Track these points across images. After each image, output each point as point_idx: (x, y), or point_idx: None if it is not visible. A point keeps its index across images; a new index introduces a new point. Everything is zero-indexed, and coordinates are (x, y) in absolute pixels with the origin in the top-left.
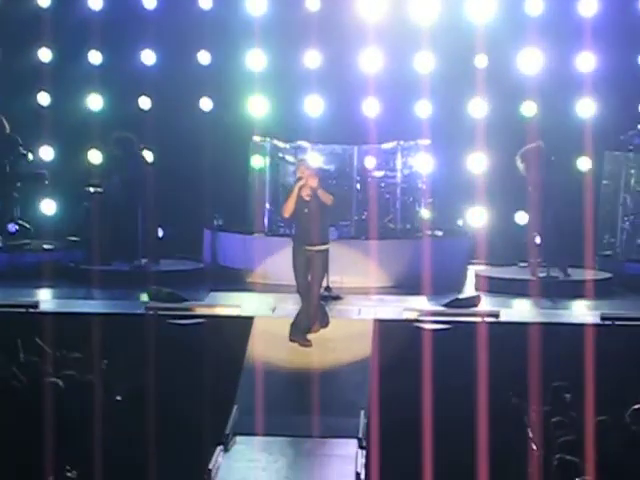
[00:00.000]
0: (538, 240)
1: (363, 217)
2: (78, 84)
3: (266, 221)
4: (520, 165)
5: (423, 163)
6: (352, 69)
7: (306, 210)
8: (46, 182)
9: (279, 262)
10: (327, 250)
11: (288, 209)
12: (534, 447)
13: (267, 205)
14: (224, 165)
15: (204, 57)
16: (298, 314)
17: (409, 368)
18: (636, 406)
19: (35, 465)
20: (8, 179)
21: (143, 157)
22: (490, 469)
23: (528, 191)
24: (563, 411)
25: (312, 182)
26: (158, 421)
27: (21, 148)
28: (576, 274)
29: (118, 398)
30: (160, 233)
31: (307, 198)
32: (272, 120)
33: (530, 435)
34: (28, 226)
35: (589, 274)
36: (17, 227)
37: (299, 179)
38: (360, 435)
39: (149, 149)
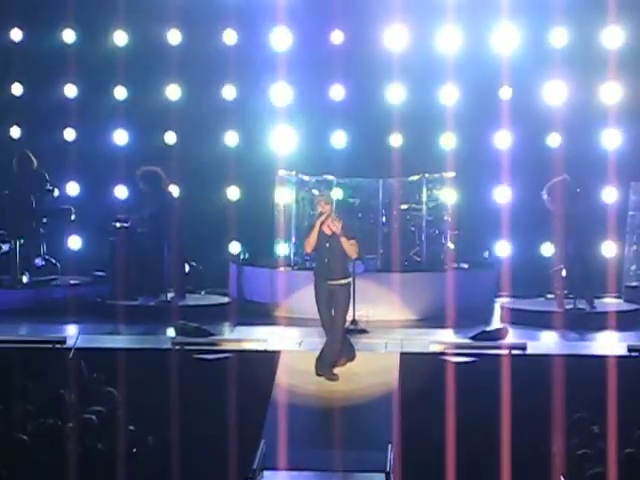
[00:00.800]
0: (564, 272)
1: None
2: (104, 119)
3: (292, 255)
4: (546, 198)
5: (448, 195)
6: (377, 102)
7: (327, 244)
8: (72, 217)
9: (305, 296)
10: (349, 284)
11: (310, 244)
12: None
13: (293, 239)
14: (250, 199)
15: (229, 91)
16: (324, 348)
17: (435, 401)
18: None
19: None
20: (34, 215)
21: (170, 192)
22: None
23: (553, 223)
24: (589, 443)
25: (335, 227)
26: (184, 456)
27: (47, 184)
28: (603, 306)
29: (131, 428)
30: (187, 268)
31: (328, 232)
32: (297, 154)
33: (555, 468)
34: (54, 261)
35: (616, 306)
36: (44, 262)
37: (320, 214)
38: (388, 469)
39: (175, 183)
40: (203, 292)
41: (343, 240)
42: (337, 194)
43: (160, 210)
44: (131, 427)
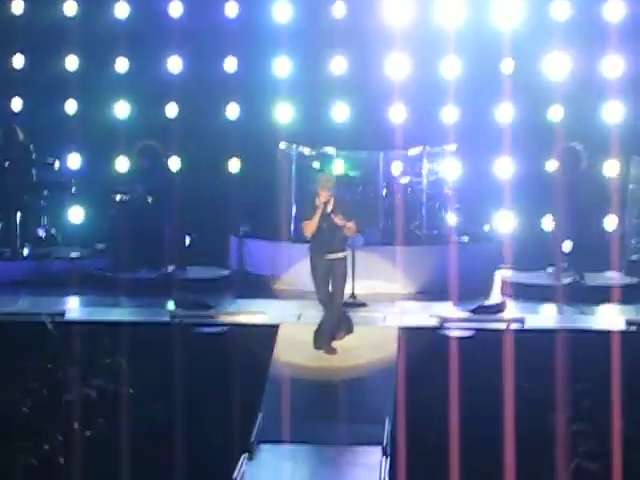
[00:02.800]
0: (569, 244)
1: (389, 223)
2: (105, 92)
3: (292, 228)
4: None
5: (449, 169)
6: (378, 75)
7: (325, 224)
8: (73, 190)
9: (305, 268)
10: (346, 257)
11: (310, 230)
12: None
13: (293, 212)
14: (251, 172)
15: (230, 64)
16: (322, 321)
17: (434, 375)
18: None
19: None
20: (34, 188)
21: (167, 166)
22: (516, 476)
23: (554, 190)
24: (585, 417)
25: (341, 222)
26: (183, 428)
27: (33, 155)
28: (603, 279)
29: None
30: (187, 241)
31: (328, 212)
32: (298, 127)
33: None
34: (55, 234)
35: (616, 279)
36: (44, 234)
37: (320, 196)
38: (384, 443)
39: (176, 156)
40: (203, 264)
41: (338, 219)
42: (337, 167)
43: (158, 184)
44: (130, 390)
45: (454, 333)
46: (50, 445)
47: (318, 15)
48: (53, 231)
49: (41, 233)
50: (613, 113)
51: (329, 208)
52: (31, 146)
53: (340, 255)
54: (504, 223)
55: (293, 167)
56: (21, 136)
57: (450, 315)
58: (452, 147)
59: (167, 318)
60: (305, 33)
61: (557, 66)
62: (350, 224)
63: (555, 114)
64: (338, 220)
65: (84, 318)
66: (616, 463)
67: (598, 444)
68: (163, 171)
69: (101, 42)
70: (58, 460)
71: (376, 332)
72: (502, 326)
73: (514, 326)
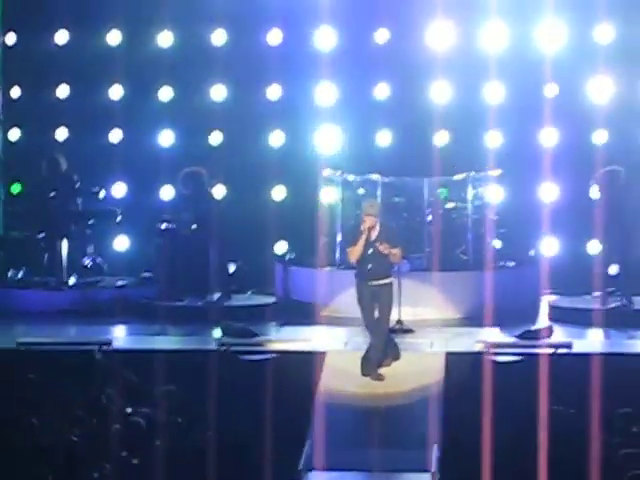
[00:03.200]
0: (615, 269)
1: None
2: (149, 120)
3: (337, 255)
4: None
5: (494, 194)
6: (421, 100)
7: (371, 251)
8: (118, 219)
9: (350, 295)
10: (392, 283)
11: (355, 255)
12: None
13: (338, 238)
14: (295, 199)
15: (274, 91)
16: (369, 348)
17: (481, 400)
18: None
19: None
20: (80, 217)
21: (211, 193)
22: None
23: (597, 215)
24: (633, 443)
25: (387, 251)
26: (231, 458)
27: (77, 184)
28: None
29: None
30: (232, 269)
31: (372, 238)
32: (342, 153)
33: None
34: (101, 263)
35: None
36: (91, 263)
37: (365, 222)
38: (433, 469)
39: (221, 184)
40: (249, 292)
41: (383, 247)
42: (383, 193)
43: (203, 211)
44: (179, 419)
45: (500, 358)
46: (99, 473)
47: (361, 41)
48: (99, 260)
49: (87, 262)
50: None
51: (374, 235)
52: (75, 176)
53: (386, 281)
54: (549, 247)
55: (337, 194)
56: (64, 166)
57: (496, 340)
58: (496, 172)
59: (213, 346)
60: (348, 59)
61: (600, 89)
62: (395, 250)
63: (599, 138)
64: (383, 248)
65: (131, 347)
66: None
67: None
68: (207, 198)
69: (145, 71)
70: None
71: (423, 358)
72: (549, 351)
73: (561, 351)
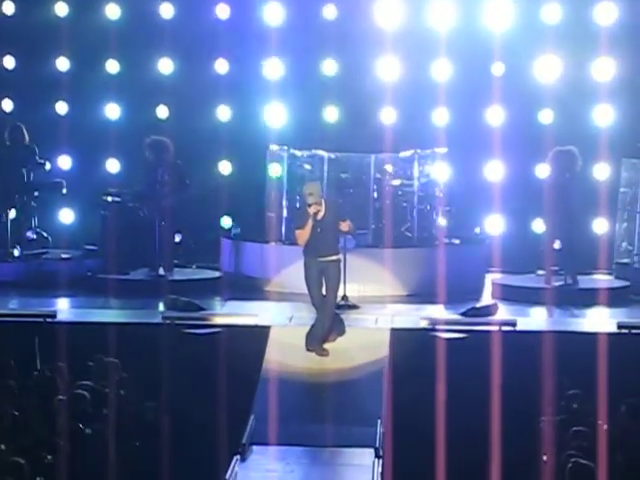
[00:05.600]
0: (557, 245)
1: (380, 226)
2: (96, 93)
3: (283, 230)
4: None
5: (440, 171)
6: (369, 77)
7: (319, 229)
8: (64, 191)
9: (296, 271)
10: (340, 260)
11: (303, 239)
12: (545, 457)
13: (284, 213)
14: (241, 174)
15: (221, 66)
16: (314, 324)
17: (425, 377)
18: None
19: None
20: (26, 188)
21: (178, 162)
22: (504, 477)
23: (545, 194)
24: (582, 420)
25: (345, 228)
26: (174, 431)
27: (38, 157)
28: (593, 282)
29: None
30: (178, 238)
31: (319, 218)
32: (289, 129)
33: (543, 444)
34: (46, 235)
35: (606, 282)
36: (35, 236)
37: (309, 205)
38: (377, 444)
39: None
40: (194, 266)
41: (348, 229)
42: (328, 169)
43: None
44: (122, 391)
45: (445, 335)
46: (40, 444)
47: (309, 17)
48: (44, 233)
49: (31, 234)
50: (603, 116)
51: (320, 215)
52: (36, 149)
53: (334, 258)
54: (495, 226)
55: (284, 169)
56: (27, 137)
57: (441, 317)
58: (443, 150)
59: (158, 320)
60: (296, 35)
61: (548, 69)
62: (347, 222)
63: (545, 117)
64: (344, 226)
65: (75, 319)
66: (602, 462)
67: (590, 444)
68: (171, 167)
69: (92, 43)
70: (47, 458)
71: (368, 334)
72: (494, 328)
73: (505, 328)
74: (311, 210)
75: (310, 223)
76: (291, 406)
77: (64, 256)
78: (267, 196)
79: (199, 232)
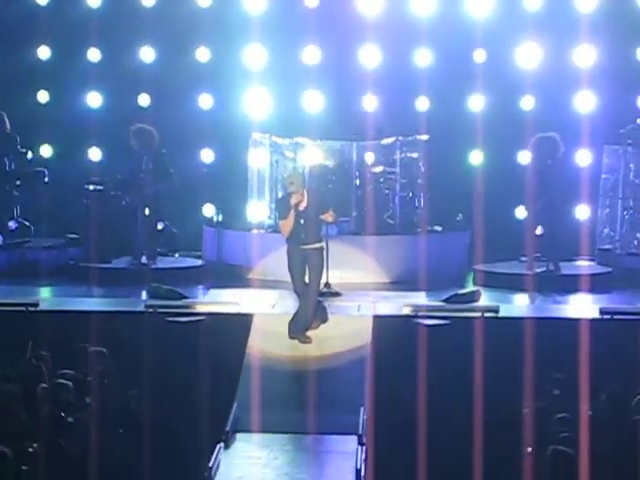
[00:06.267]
0: (539, 231)
1: (362, 213)
2: (77, 82)
3: (265, 218)
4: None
5: (422, 158)
6: (351, 65)
7: (302, 220)
8: (45, 180)
9: (279, 258)
10: (323, 247)
11: (286, 230)
12: (528, 445)
13: (266, 201)
14: (224, 161)
15: (203, 54)
16: (297, 311)
17: (408, 364)
18: None
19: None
20: (8, 177)
21: (163, 151)
22: (485, 465)
23: (527, 180)
24: (564, 406)
25: (329, 218)
26: (157, 418)
27: (19, 146)
28: (575, 268)
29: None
30: (160, 226)
31: (301, 208)
32: (271, 116)
33: (525, 431)
34: (28, 224)
35: (588, 268)
36: (17, 225)
37: (291, 194)
38: (360, 432)
39: None
40: (177, 254)
41: (332, 219)
42: (311, 157)
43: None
44: (105, 380)
45: (427, 322)
46: (22, 432)
47: (291, 4)
48: (25, 222)
49: (13, 224)
50: (585, 103)
51: (303, 205)
52: (18, 137)
53: (316, 245)
54: (477, 212)
55: (266, 157)
56: (8, 126)
57: (423, 304)
58: (425, 137)
59: (141, 308)
60: (278, 22)
61: (529, 56)
62: (330, 212)
63: (527, 104)
64: (327, 217)
65: (57, 308)
66: (583, 449)
67: (573, 431)
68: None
69: (73, 32)
70: (31, 447)
71: (350, 321)
72: (476, 315)
73: (488, 315)
74: (292, 200)
75: (293, 213)
76: (274, 393)
77: (46, 245)
78: (249, 184)
79: (181, 220)
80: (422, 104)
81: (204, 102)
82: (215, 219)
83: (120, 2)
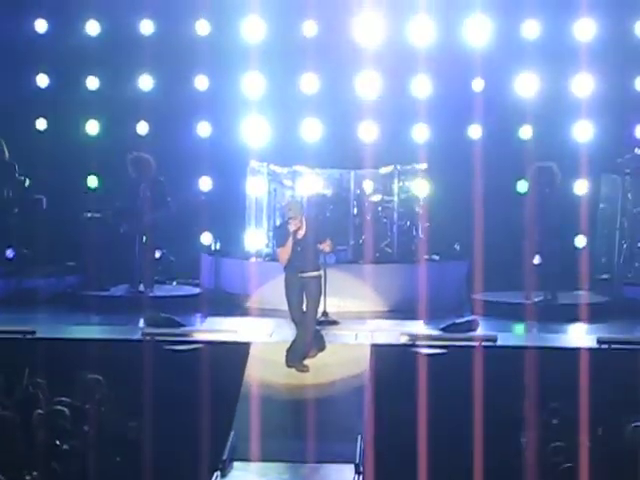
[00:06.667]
0: (537, 260)
1: (360, 242)
2: (75, 109)
3: (263, 246)
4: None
5: (420, 187)
6: (349, 93)
7: (299, 248)
8: (44, 208)
9: (276, 287)
10: (320, 276)
11: (284, 258)
12: (529, 471)
13: (264, 230)
14: (222, 189)
15: (201, 82)
16: (295, 339)
17: (406, 393)
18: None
19: None
20: (6, 205)
21: (161, 179)
22: None
23: (525, 210)
24: (563, 435)
25: (327, 248)
26: (154, 446)
27: (17, 174)
28: (573, 298)
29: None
30: (158, 254)
31: (299, 237)
32: (269, 145)
33: (526, 459)
34: (25, 252)
35: (586, 298)
36: (15, 253)
37: (289, 220)
38: (357, 460)
39: None
40: (174, 283)
41: (329, 249)
42: (309, 186)
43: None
44: (102, 408)
45: (425, 351)
46: (19, 460)
47: (289, 32)
48: (24, 249)
49: (11, 252)
50: (583, 132)
51: (301, 233)
52: (16, 165)
53: (314, 274)
54: (475, 242)
55: (264, 185)
56: (7, 154)
57: (421, 333)
58: (423, 166)
59: (138, 336)
60: (276, 51)
61: (527, 85)
62: (327, 242)
63: (525, 133)
64: (324, 246)
65: (55, 335)
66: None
67: (571, 460)
68: (158, 182)
69: (72, 60)
70: (29, 474)
71: (348, 350)
72: (473, 344)
73: (486, 344)
74: (291, 226)
75: (291, 240)
76: (271, 422)
77: (44, 272)
78: (247, 212)
79: (179, 248)
80: (420, 133)
81: (202, 130)
82: (213, 247)
83: (119, 30)
